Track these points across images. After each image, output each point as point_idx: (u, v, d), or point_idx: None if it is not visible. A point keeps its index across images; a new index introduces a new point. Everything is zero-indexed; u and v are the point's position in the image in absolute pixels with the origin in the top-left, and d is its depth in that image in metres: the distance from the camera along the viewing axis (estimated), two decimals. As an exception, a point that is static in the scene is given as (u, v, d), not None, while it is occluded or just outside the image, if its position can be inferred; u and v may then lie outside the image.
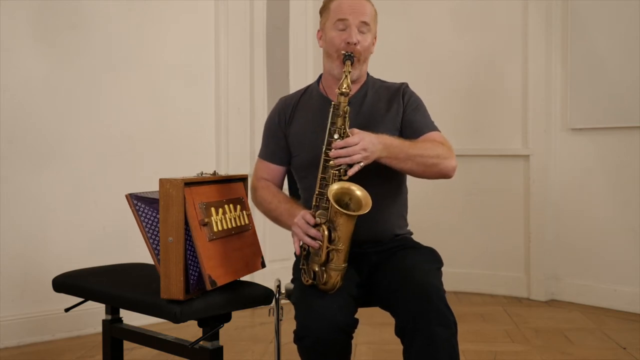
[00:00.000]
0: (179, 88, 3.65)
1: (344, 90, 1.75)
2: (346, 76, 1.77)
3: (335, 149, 1.69)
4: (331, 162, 1.72)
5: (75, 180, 3.29)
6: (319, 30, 2.03)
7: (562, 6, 3.95)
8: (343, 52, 1.85)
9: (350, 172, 1.70)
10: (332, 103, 1.77)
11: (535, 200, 4.03)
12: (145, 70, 3.52)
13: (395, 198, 2.01)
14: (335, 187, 1.69)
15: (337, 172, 1.72)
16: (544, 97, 4.00)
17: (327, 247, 1.67)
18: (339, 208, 1.64)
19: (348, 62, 1.81)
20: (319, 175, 1.75)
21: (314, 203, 1.75)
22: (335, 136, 1.74)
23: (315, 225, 1.70)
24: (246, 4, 3.91)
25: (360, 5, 1.93)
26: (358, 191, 1.70)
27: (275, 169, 2.07)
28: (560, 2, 3.95)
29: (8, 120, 3.10)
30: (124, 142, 3.44)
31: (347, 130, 1.74)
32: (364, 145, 1.69)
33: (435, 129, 1.97)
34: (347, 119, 1.76)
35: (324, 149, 1.75)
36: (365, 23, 1.92)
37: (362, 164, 1.70)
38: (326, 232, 1.67)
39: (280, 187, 2.09)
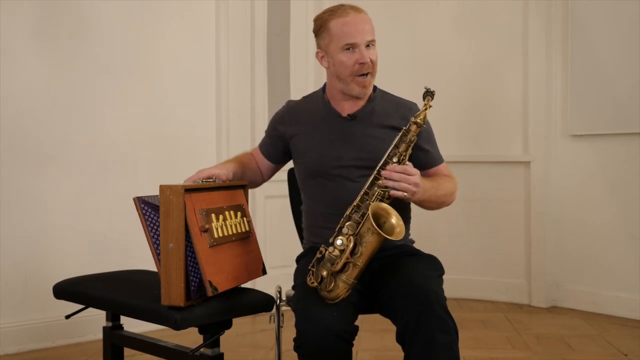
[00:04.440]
0: (179, 94, 3.65)
1: (419, 121, 1.76)
2: (426, 109, 1.77)
3: (390, 171, 1.71)
4: (380, 182, 1.73)
5: (76, 187, 3.29)
6: (318, 52, 2.01)
7: (562, 13, 3.95)
8: (426, 88, 1.81)
9: (393, 193, 1.71)
10: (403, 129, 1.77)
11: (536, 207, 4.02)
12: (145, 76, 3.53)
13: (403, 214, 2.01)
14: (379, 205, 1.70)
15: (382, 192, 1.73)
16: (545, 104, 4.01)
17: (347, 259, 1.68)
18: (374, 226, 1.65)
19: (429, 98, 1.79)
20: (363, 190, 1.76)
21: (347, 213, 1.75)
22: (394, 159, 1.75)
23: (341, 235, 1.70)
24: (247, 10, 3.93)
25: (362, 22, 1.92)
26: (395, 219, 1.71)
27: (262, 160, 2.15)
28: (561, 9, 3.96)
29: (9, 126, 3.10)
30: (125, 148, 3.44)
31: (406, 159, 1.76)
32: (417, 180, 1.72)
33: (442, 160, 2.03)
34: (410, 148, 1.77)
35: (378, 167, 1.76)
36: (371, 40, 1.92)
37: (406, 194, 1.71)
38: (351, 244, 1.68)
39: (263, 175, 2.16)
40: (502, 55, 4.16)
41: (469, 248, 4.23)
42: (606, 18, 3.78)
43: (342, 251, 1.68)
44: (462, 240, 4.24)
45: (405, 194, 1.70)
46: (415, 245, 2.07)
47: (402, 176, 1.70)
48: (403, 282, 1.74)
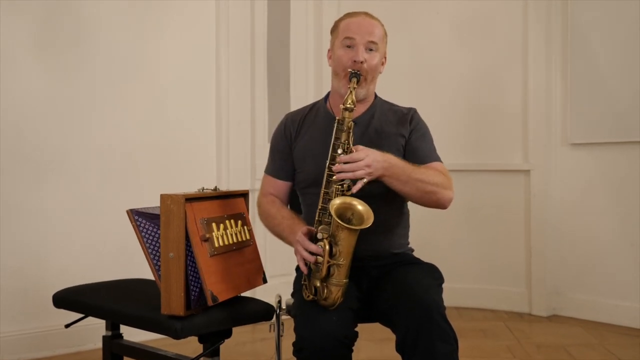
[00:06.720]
0: (179, 103, 3.66)
1: (348, 105, 1.76)
2: (351, 92, 1.78)
3: (339, 164, 1.70)
4: (334, 177, 1.72)
5: (76, 195, 3.29)
6: (329, 50, 2.04)
7: (562, 21, 3.97)
8: (350, 70, 1.86)
9: (354, 188, 1.69)
10: (337, 118, 1.78)
11: (536, 215, 4.02)
12: (145, 83, 3.53)
13: (399, 221, 2.02)
14: (337, 201, 1.69)
15: (340, 187, 1.72)
16: (544, 112, 4.02)
17: (328, 262, 1.67)
18: (340, 222, 1.64)
19: (354, 80, 1.82)
20: (322, 190, 1.75)
21: (316, 218, 1.75)
22: (339, 151, 1.75)
23: (317, 241, 1.70)
24: (247, 19, 3.94)
25: (368, 25, 1.94)
26: (360, 206, 1.70)
27: (281, 185, 2.07)
28: (561, 17, 3.98)
29: (8, 133, 3.10)
30: (125, 157, 3.45)
31: (352, 145, 1.75)
32: (368, 162, 1.70)
33: (438, 159, 1.98)
34: (351, 134, 1.77)
35: (327, 164, 1.76)
36: (372, 42, 1.93)
37: (365, 180, 1.70)
38: (327, 247, 1.67)
39: (287, 202, 2.09)
40: (502, 64, 4.17)
41: (469, 256, 4.23)
42: (606, 26, 3.79)
43: (322, 256, 1.68)
44: (462, 249, 4.24)
45: (364, 180, 1.70)
46: (415, 254, 2.06)
47: (352, 165, 1.69)
48: (403, 291, 1.74)
